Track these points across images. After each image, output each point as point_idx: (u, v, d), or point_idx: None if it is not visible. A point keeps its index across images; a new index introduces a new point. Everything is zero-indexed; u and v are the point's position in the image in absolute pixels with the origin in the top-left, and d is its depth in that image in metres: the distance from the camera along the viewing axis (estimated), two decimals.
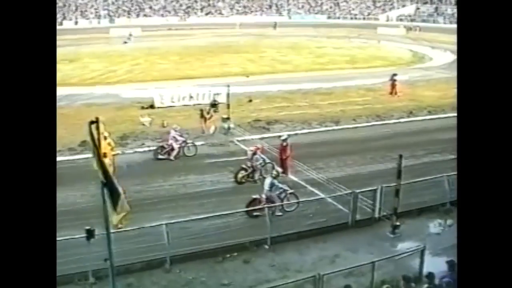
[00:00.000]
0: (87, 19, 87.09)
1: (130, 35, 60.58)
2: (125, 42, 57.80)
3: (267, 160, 17.26)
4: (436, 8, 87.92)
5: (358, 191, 14.09)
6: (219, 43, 56.83)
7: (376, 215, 14.17)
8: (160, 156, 19.17)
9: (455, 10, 79.95)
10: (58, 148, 17.31)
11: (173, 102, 27.96)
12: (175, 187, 16.66)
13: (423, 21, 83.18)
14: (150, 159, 19.30)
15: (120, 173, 14.60)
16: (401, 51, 52.61)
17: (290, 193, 14.78)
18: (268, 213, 13.17)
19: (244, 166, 17.01)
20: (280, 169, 15.88)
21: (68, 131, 20.76)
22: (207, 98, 26.93)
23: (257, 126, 24.06)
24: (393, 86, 31.08)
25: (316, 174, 17.61)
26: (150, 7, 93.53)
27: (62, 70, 35.80)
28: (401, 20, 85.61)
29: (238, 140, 21.69)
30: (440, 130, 22.46)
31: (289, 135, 19.05)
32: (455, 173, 13.41)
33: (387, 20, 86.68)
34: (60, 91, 23.69)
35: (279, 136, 19.17)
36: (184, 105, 27.52)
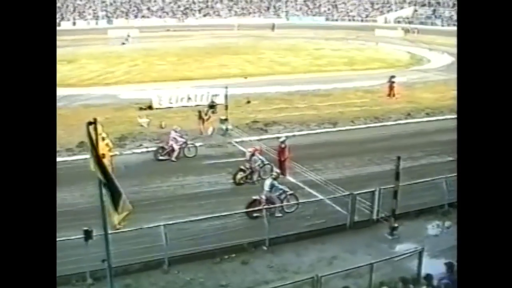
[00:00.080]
0: (85, 20, 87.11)
1: (128, 36, 60.60)
2: (123, 43, 57.79)
3: (266, 162, 17.26)
4: (434, 11, 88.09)
5: (356, 192, 14.09)
6: (217, 44, 56.86)
7: (374, 216, 14.17)
8: (160, 157, 19.16)
9: (453, 13, 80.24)
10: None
11: (171, 103, 27.95)
12: (173, 188, 16.65)
13: (421, 23, 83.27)
14: (148, 160, 19.29)
15: (118, 174, 14.55)
16: (399, 53, 52.67)
17: (290, 194, 14.78)
18: (266, 214, 13.17)
19: (242, 167, 17.01)
20: (278, 171, 15.88)
21: (66, 132, 20.73)
22: (205, 99, 26.93)
23: (255, 127, 24.07)
24: (391, 88, 31.10)
25: (314, 175, 17.61)
26: (148, 8, 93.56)
27: (60, 71, 35.64)
28: (399, 22, 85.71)
29: (236, 142, 21.69)
30: (438, 132, 22.51)
31: (287, 137, 19.06)
32: (453, 175, 13.49)
33: (385, 22, 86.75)
34: (58, 91, 23.37)
35: (277, 138, 19.20)
36: (182, 106, 27.52)
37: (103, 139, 15.16)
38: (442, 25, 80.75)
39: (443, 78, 36.90)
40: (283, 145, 17.70)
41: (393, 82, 31.23)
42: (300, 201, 14.60)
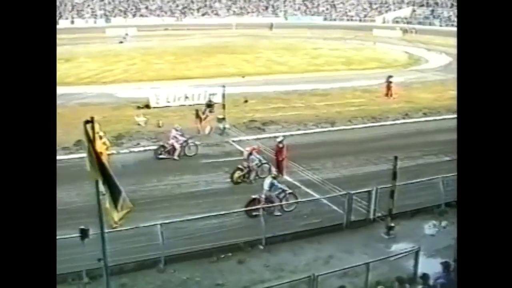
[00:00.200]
0: (83, 18, 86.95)
1: (126, 35, 60.58)
2: (121, 42, 57.76)
3: (263, 161, 17.26)
4: (432, 11, 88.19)
5: (353, 192, 14.11)
6: (215, 43, 56.85)
7: (371, 216, 14.19)
8: (161, 156, 19.14)
9: (451, 13, 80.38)
10: None
11: (168, 102, 27.92)
12: (170, 187, 16.64)
13: (419, 23, 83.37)
14: (145, 159, 19.27)
15: (115, 173, 14.52)
16: (397, 53, 52.71)
17: (289, 193, 14.80)
18: (263, 213, 13.18)
19: (240, 166, 17.01)
20: (275, 170, 15.89)
21: (63, 131, 20.64)
22: (202, 98, 26.90)
23: (253, 126, 24.07)
24: (388, 88, 31.13)
25: (312, 175, 17.62)
26: (147, 7, 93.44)
27: (58, 69, 35.31)
28: (397, 22, 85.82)
29: (233, 141, 21.69)
30: (435, 132, 22.56)
31: (284, 137, 19.06)
32: (450, 174, 13.51)
33: (383, 22, 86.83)
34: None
35: (275, 137, 19.18)
36: (180, 105, 27.49)
37: (100, 137, 15.15)
38: (440, 25, 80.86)
39: (441, 78, 36.98)
40: (280, 145, 17.70)
41: (391, 82, 31.26)
42: (300, 200, 14.60)
